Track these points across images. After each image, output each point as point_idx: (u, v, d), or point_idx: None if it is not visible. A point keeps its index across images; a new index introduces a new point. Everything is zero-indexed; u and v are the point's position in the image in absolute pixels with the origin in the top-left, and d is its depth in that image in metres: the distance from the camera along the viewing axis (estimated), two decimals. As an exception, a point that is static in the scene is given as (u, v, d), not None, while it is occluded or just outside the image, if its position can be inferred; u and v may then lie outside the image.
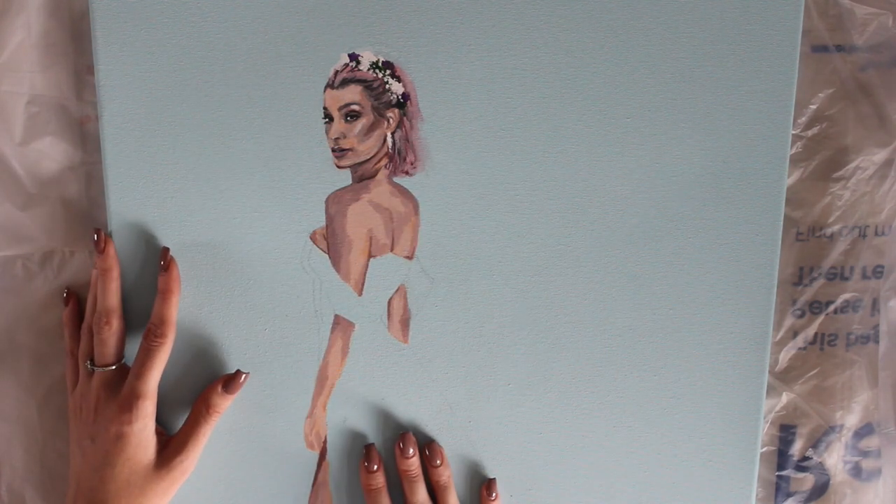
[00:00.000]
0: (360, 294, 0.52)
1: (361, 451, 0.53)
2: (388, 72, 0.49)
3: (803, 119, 0.52)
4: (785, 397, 0.55)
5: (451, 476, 0.53)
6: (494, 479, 0.53)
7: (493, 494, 0.53)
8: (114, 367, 0.50)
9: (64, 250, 0.54)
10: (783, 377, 0.54)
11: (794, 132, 0.51)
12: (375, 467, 0.52)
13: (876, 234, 0.53)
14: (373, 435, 0.53)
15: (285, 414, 0.53)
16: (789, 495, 0.55)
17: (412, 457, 0.52)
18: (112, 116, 0.50)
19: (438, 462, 0.52)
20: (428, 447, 0.52)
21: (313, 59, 0.49)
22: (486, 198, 0.51)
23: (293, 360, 0.53)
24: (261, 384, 0.53)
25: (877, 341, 0.54)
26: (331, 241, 0.51)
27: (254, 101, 0.50)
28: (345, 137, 0.50)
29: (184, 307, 0.52)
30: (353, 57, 0.49)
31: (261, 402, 0.53)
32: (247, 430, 0.53)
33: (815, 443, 0.55)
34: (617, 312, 0.51)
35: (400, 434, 0.53)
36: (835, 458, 0.55)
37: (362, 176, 0.51)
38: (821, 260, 0.53)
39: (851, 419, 0.55)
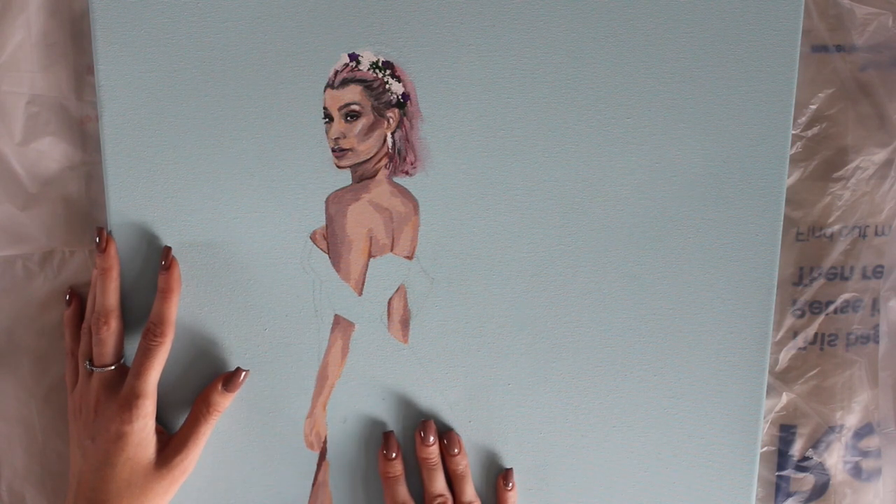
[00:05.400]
0: (359, 294, 0.52)
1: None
2: (388, 72, 0.49)
3: (803, 119, 0.52)
4: (785, 397, 0.55)
5: (468, 465, 0.53)
6: (511, 469, 0.53)
7: (510, 484, 0.53)
8: (113, 368, 0.50)
9: (64, 250, 0.54)
10: (783, 377, 0.54)
11: (794, 132, 0.51)
12: (394, 455, 0.52)
13: (876, 234, 0.53)
14: (373, 435, 0.53)
15: (285, 414, 0.53)
16: (789, 495, 0.55)
17: (433, 444, 0.52)
18: (112, 116, 0.50)
19: (456, 451, 0.52)
20: (446, 436, 0.53)
21: (313, 59, 0.49)
22: (486, 198, 0.51)
23: (293, 360, 0.53)
24: (261, 384, 0.53)
25: (877, 341, 0.54)
26: (331, 241, 0.51)
27: (254, 101, 0.50)
28: (345, 137, 0.50)
29: (184, 307, 0.52)
30: (353, 57, 0.49)
31: (261, 402, 0.53)
32: (247, 430, 0.53)
33: (815, 443, 0.55)
34: (617, 312, 0.51)
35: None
36: (835, 458, 0.55)
37: (362, 176, 0.51)
38: (821, 260, 0.53)
39: (851, 419, 0.55)
